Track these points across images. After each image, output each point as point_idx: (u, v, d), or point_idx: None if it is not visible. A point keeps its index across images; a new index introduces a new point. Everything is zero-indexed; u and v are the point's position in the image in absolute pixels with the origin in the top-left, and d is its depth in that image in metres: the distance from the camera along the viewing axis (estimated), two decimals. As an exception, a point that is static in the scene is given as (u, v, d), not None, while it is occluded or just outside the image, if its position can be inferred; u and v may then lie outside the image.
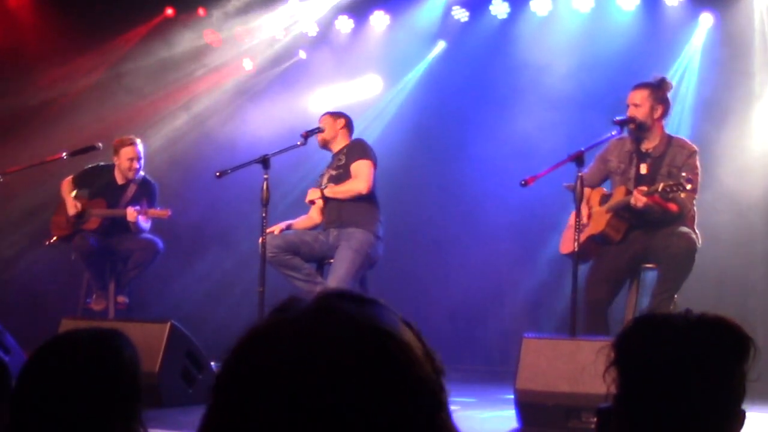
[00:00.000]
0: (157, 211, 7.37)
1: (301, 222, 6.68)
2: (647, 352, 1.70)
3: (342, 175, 6.48)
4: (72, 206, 7.45)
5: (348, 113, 6.84)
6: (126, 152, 7.48)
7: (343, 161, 6.53)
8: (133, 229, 7.37)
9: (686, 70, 7.88)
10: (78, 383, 2.01)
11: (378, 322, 1.02)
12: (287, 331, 1.02)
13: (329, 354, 0.98)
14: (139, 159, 7.51)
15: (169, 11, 9.25)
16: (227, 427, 1.01)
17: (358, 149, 6.52)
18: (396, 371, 0.99)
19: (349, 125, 6.71)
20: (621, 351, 1.72)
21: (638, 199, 5.73)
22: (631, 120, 5.91)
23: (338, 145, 6.63)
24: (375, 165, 6.47)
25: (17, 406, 2.03)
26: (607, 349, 1.72)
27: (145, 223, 7.46)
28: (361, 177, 6.38)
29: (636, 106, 5.95)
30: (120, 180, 7.54)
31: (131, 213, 7.25)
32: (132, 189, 7.51)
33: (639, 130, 5.97)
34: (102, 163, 7.64)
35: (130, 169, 7.49)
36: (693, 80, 7.85)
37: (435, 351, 1.05)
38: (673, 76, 7.54)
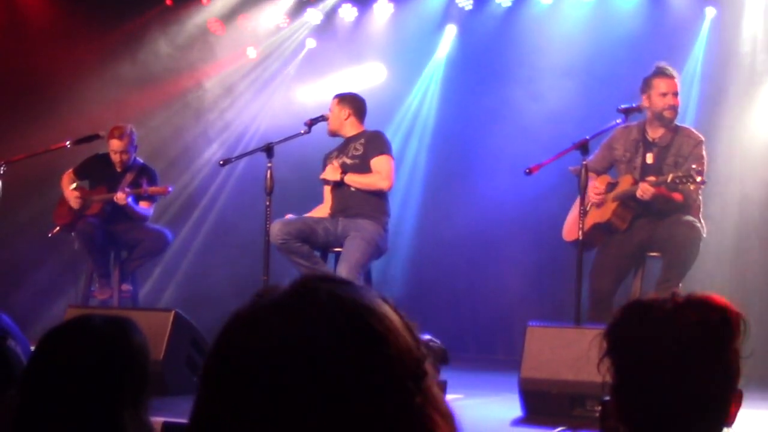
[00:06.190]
0: (156, 189, 7.39)
1: (315, 213, 6.62)
2: (637, 338, 1.70)
3: (359, 165, 6.39)
4: (73, 198, 7.46)
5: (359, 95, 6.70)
6: (111, 145, 7.48)
7: (360, 151, 6.43)
8: (131, 214, 7.36)
9: (690, 59, 7.84)
10: (88, 369, 2.02)
11: (356, 297, 1.05)
12: (269, 312, 1.04)
13: (311, 331, 1.01)
14: (126, 151, 7.48)
15: (168, 1, 9.22)
16: (216, 413, 1.02)
17: (379, 143, 6.43)
18: (378, 342, 1.03)
19: (357, 113, 6.56)
20: (612, 340, 1.73)
21: (645, 191, 5.71)
22: (636, 108, 5.88)
23: (349, 132, 6.53)
24: (393, 159, 6.45)
25: (27, 390, 2.03)
26: (599, 339, 1.72)
27: (144, 210, 7.44)
28: (384, 174, 6.34)
29: (677, 94, 5.96)
30: (119, 167, 7.54)
31: (120, 197, 7.24)
32: (130, 176, 7.50)
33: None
34: (101, 152, 7.63)
35: (120, 161, 7.49)
36: (697, 69, 7.81)
37: (413, 322, 1.09)
38: (676, 65, 7.52)
